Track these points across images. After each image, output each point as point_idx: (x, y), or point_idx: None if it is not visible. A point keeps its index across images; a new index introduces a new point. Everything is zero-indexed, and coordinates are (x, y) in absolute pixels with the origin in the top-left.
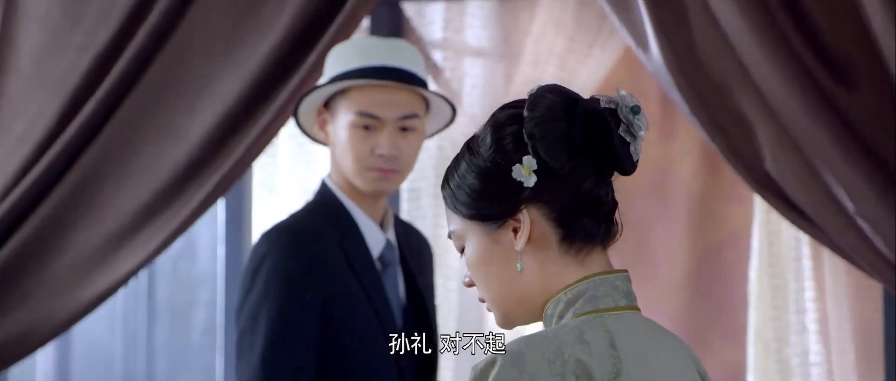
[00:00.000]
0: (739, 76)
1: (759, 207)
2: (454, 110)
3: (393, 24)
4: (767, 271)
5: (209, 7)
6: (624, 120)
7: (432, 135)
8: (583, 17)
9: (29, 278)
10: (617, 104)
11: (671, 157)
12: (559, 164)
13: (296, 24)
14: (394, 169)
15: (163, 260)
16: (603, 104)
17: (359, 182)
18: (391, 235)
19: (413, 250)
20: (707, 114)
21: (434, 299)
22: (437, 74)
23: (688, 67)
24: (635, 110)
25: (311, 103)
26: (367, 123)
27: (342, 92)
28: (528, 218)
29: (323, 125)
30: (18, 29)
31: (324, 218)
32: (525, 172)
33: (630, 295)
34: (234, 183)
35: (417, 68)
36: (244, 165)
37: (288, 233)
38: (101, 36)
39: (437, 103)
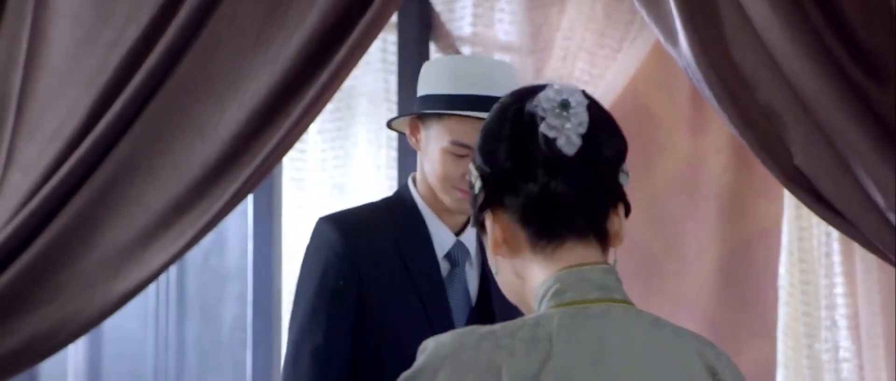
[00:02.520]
0: (770, 71)
1: (789, 202)
2: None
3: (422, 19)
4: (798, 267)
5: (238, 3)
6: (541, 115)
7: None
8: (613, 13)
9: (59, 274)
10: (537, 103)
11: (701, 152)
12: (493, 165)
13: (325, 20)
14: None
15: (193, 255)
16: (530, 103)
17: (444, 198)
18: (467, 237)
19: None
20: (737, 109)
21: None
22: None
23: (718, 61)
24: (564, 105)
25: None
26: (460, 152)
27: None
28: (492, 222)
29: (414, 132)
30: (49, 25)
31: (387, 215)
32: (473, 177)
33: (606, 287)
34: (263, 179)
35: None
36: (274, 160)
37: (333, 221)
38: (132, 32)
39: None
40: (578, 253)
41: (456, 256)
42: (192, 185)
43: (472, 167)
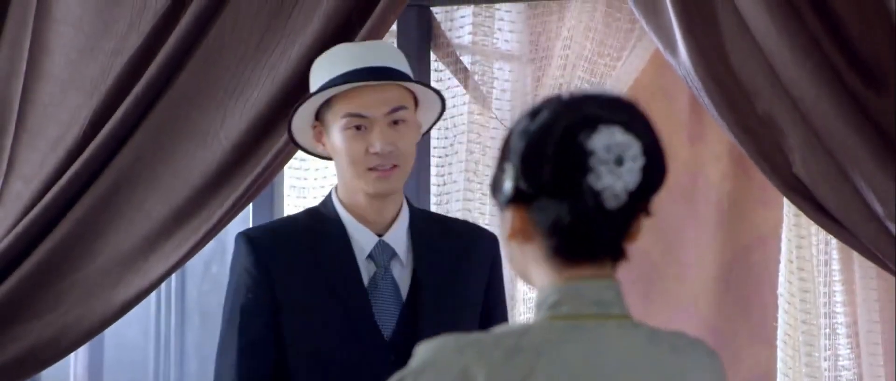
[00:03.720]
0: (768, 79)
1: (788, 210)
2: (442, 99)
3: (422, 28)
4: (796, 275)
5: (240, 11)
6: (592, 164)
7: (429, 128)
8: (612, 22)
9: (61, 282)
10: (593, 149)
11: (700, 160)
12: (531, 181)
13: (326, 29)
14: (393, 164)
15: (194, 263)
16: (584, 136)
17: (362, 185)
18: (394, 235)
19: (433, 248)
20: (736, 117)
21: (452, 297)
22: (467, 77)
23: (717, 70)
24: (619, 161)
25: (302, 121)
26: (357, 124)
27: (328, 102)
28: (512, 213)
29: (320, 138)
30: (51, 34)
31: (308, 224)
32: (506, 176)
33: (602, 303)
34: (264, 187)
35: (396, 63)
36: (275, 168)
37: (246, 236)
38: (133, 40)
39: (426, 97)
40: (586, 267)
41: (379, 257)
42: (193, 193)
43: (507, 166)
